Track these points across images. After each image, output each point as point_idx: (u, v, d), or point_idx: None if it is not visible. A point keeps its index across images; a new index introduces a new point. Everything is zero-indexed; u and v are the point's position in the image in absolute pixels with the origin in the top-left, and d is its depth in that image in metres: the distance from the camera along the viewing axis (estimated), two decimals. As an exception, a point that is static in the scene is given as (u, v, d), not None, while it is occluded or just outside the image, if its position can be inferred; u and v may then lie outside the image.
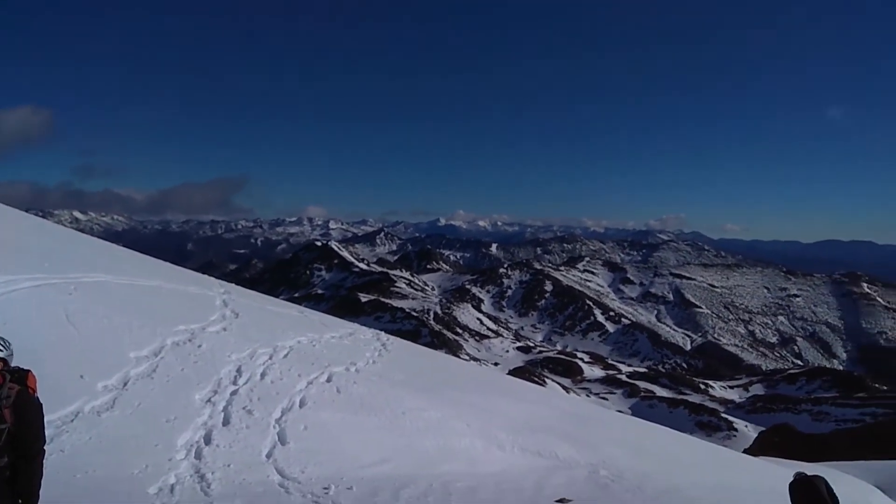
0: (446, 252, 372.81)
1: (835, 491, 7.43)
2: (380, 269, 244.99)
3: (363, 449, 10.43)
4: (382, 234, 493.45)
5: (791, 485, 7.72)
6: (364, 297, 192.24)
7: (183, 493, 7.56)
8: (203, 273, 23.62)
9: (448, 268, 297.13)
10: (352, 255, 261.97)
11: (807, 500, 7.46)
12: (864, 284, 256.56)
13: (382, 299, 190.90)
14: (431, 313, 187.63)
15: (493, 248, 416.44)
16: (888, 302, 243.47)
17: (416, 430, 11.80)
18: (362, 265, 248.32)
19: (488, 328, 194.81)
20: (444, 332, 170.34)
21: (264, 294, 24.48)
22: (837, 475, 27.41)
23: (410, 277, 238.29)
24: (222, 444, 8.94)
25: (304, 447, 9.67)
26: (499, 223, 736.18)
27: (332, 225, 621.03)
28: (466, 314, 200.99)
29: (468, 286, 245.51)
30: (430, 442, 11.58)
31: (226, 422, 9.61)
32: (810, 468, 26.83)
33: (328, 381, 12.59)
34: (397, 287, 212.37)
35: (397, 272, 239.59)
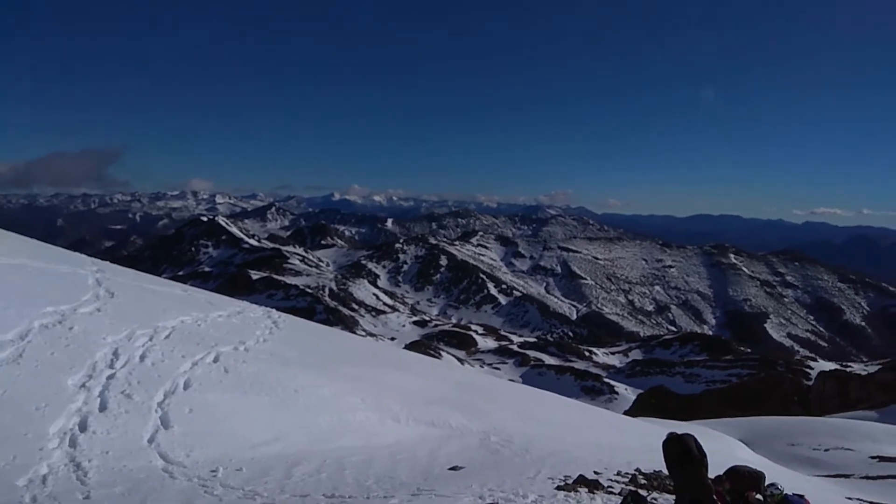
0: (341, 227, 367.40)
1: (703, 446, 8.18)
2: (272, 245, 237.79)
3: (253, 429, 10.18)
4: (274, 208, 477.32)
5: (664, 443, 8.39)
6: (255, 275, 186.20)
7: (57, 484, 7.07)
8: (75, 251, 21.83)
9: (343, 243, 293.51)
10: (241, 231, 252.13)
11: (677, 455, 8.14)
12: (731, 255, 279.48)
13: (275, 276, 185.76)
14: (326, 290, 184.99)
15: (389, 223, 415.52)
16: (752, 271, 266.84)
17: (310, 407, 11.67)
18: (253, 241, 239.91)
19: (384, 303, 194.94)
20: (340, 308, 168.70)
21: (144, 273, 23.09)
22: (706, 432, 30.03)
23: (304, 254, 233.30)
24: (99, 430, 8.41)
25: (189, 430, 9.30)
26: (394, 198, 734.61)
27: (218, 199, 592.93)
28: (362, 290, 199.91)
29: (364, 262, 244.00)
30: (323, 418, 11.49)
31: (103, 407, 9.03)
32: (682, 426, 29.21)
33: (215, 361, 12.13)
34: (291, 263, 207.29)
35: (290, 248, 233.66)
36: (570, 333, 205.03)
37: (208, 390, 10.75)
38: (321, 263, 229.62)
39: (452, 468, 10.43)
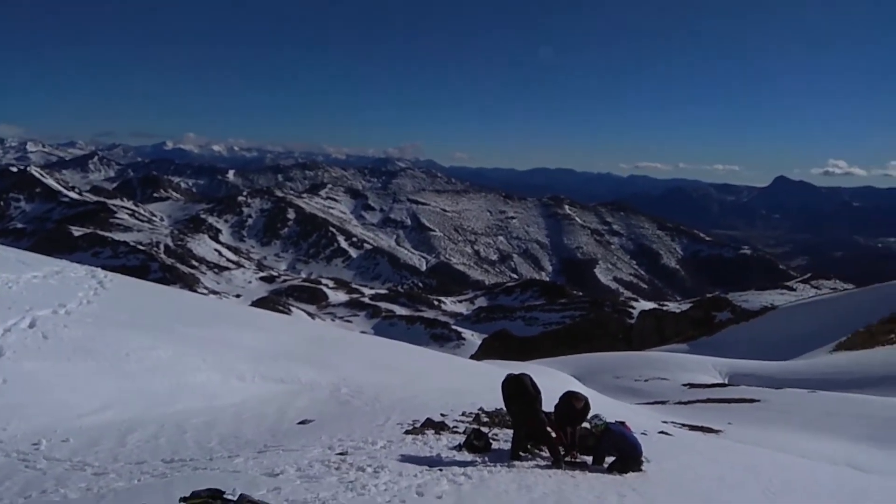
0: (176, 179, 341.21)
1: (538, 384, 8.86)
2: (95, 198, 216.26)
3: (80, 397, 9.44)
4: (96, 158, 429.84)
5: (502, 382, 8.98)
6: (77, 231, 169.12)
7: None
8: None
9: (179, 196, 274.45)
10: (59, 183, 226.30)
11: (514, 393, 8.75)
12: (566, 206, 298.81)
13: (101, 232, 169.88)
14: (162, 246, 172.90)
15: (231, 174, 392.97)
16: (584, 221, 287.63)
17: (144, 371, 10.99)
18: (73, 194, 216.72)
19: (228, 259, 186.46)
20: (178, 265, 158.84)
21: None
22: (542, 370, 32.36)
23: (134, 207, 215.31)
24: None
25: (4, 402, 8.48)
26: (235, 148, 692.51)
27: (30, 147, 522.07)
28: (203, 246, 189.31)
29: (204, 216, 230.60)
30: (160, 381, 10.90)
31: None
32: (521, 366, 31.23)
33: (31, 326, 11.00)
34: (118, 218, 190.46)
35: (118, 202, 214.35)
36: (420, 284, 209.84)
37: (25, 358, 9.81)
38: (154, 218, 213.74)
39: (302, 422, 10.39)
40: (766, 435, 17.24)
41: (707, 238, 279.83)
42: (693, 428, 17.08)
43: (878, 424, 18.96)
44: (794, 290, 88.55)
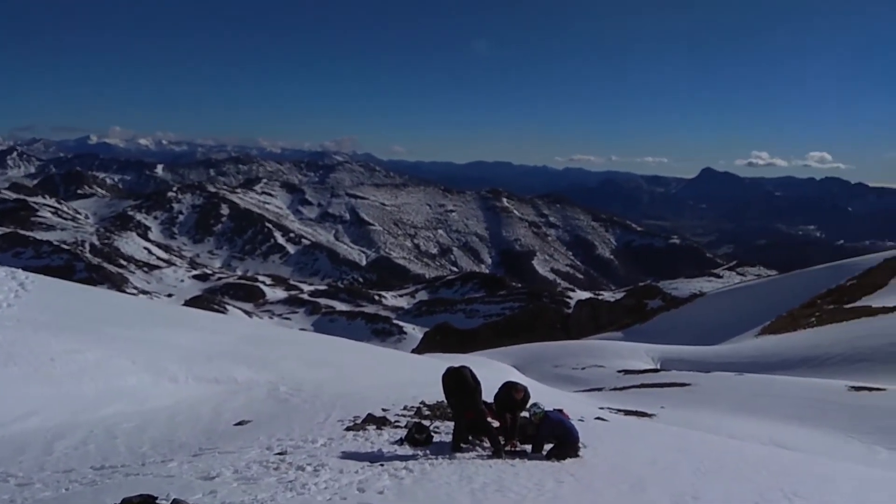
0: (101, 174, 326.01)
1: (478, 375, 8.96)
2: (15, 195, 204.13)
3: (3, 405, 9.00)
4: (15, 153, 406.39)
5: (443, 375, 9.05)
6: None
7: None
8: None
9: (105, 192, 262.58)
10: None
11: (454, 385, 8.83)
12: (504, 199, 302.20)
13: (21, 231, 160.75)
14: (87, 245, 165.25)
15: (159, 169, 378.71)
16: (521, 213, 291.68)
17: (70, 376, 10.51)
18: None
19: (159, 258, 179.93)
20: (105, 265, 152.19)
21: None
22: (483, 361, 32.75)
23: (57, 205, 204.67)
24: None
25: (-88, 416, 7.94)
26: (164, 141, 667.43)
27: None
28: (131, 244, 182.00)
29: (131, 212, 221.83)
30: (87, 386, 10.45)
31: None
32: (462, 359, 31.53)
33: (-58, 333, 10.36)
34: (40, 216, 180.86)
35: (39, 199, 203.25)
36: (361, 279, 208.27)
37: (-65, 368, 9.19)
38: (79, 216, 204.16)
39: (238, 423, 10.18)
40: (697, 417, 18.00)
41: (639, 228, 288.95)
42: (628, 413, 17.66)
43: (802, 404, 20.09)
44: (721, 277, 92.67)
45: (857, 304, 42.26)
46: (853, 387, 21.78)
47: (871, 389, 21.13)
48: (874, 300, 41.91)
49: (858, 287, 46.63)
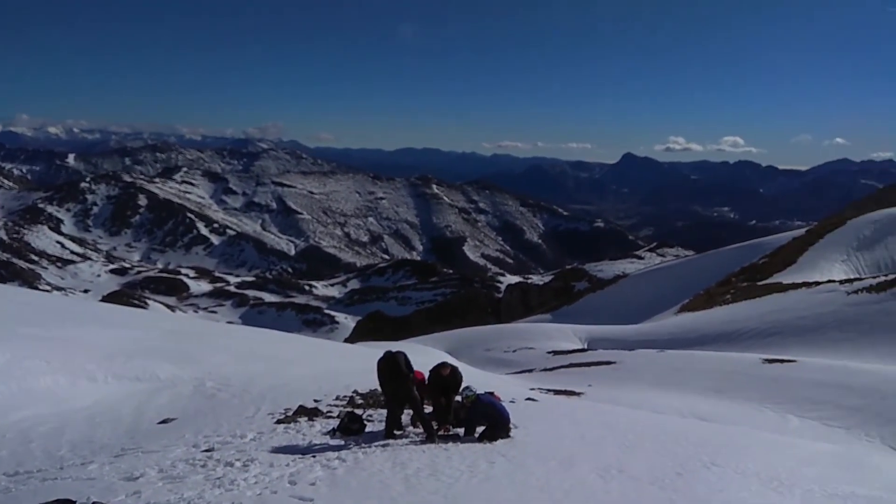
0: (8, 165, 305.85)
1: (411, 361, 9.00)
2: None
3: None
4: None
5: (377, 363, 9.04)
6: None
7: None
8: None
9: (12, 184, 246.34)
10: None
11: (388, 372, 8.84)
12: (434, 186, 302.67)
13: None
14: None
15: (71, 158, 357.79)
16: (451, 200, 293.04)
17: (-25, 380, 9.88)
18: None
19: (72, 252, 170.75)
20: (15, 260, 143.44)
21: None
22: (416, 347, 32.84)
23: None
24: None
25: None
26: (75, 129, 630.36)
27: None
28: (42, 238, 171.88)
29: (42, 205, 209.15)
30: (-4, 390, 9.85)
31: None
32: (395, 346, 31.50)
33: None
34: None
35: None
36: (290, 269, 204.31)
37: None
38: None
39: (162, 421, 9.85)
40: (622, 394, 18.71)
41: (565, 213, 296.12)
42: (557, 392, 18.15)
43: (719, 377, 21.21)
44: (643, 258, 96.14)
45: (769, 280, 44.63)
46: (766, 359, 23.16)
47: (783, 361, 22.52)
48: (785, 277, 44.40)
49: (770, 265, 49.24)
